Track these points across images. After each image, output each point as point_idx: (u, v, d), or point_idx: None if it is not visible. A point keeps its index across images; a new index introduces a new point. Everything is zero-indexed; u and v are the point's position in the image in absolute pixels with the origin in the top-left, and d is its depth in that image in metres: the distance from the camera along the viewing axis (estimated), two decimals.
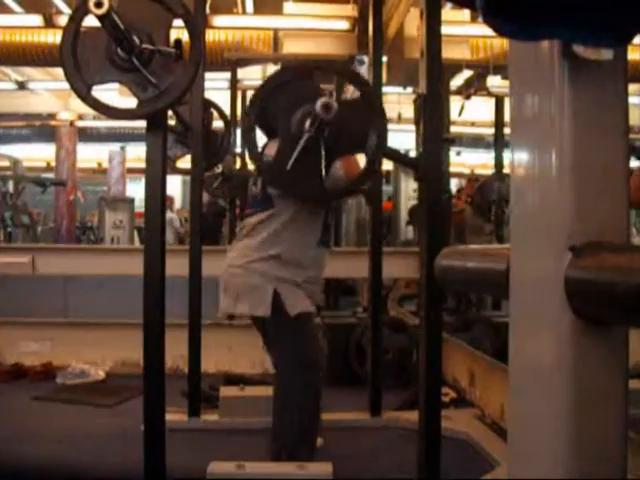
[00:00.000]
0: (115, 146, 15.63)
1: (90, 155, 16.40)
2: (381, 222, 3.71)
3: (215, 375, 4.24)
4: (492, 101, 6.50)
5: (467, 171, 12.67)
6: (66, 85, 1.84)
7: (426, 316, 2.32)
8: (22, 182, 11.79)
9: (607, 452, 0.82)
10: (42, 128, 15.17)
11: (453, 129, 7.75)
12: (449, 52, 5.23)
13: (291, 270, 2.52)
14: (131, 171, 15.69)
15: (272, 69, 6.77)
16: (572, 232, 0.81)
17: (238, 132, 5.96)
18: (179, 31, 1.89)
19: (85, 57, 1.84)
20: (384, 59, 4.44)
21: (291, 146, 2.31)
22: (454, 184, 9.94)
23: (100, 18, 1.64)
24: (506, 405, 2.58)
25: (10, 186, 11.40)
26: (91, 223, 15.85)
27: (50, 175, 14.66)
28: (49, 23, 6.84)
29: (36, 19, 6.95)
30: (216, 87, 7.54)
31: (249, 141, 2.44)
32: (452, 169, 7.65)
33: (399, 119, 10.40)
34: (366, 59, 4.62)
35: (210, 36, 6.63)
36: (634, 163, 3.28)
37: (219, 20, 7.00)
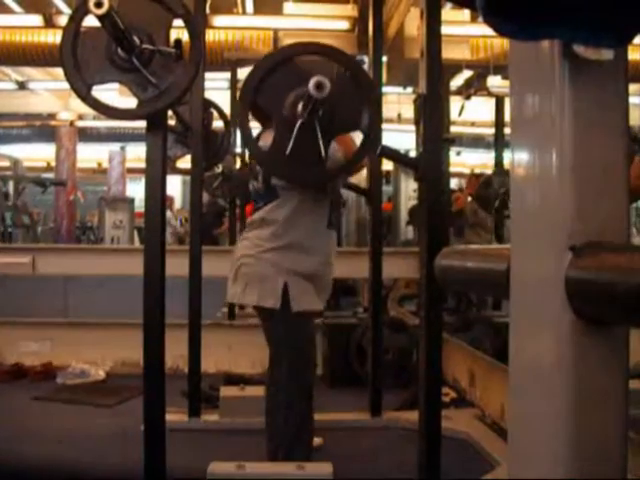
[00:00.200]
0: (115, 146, 15.64)
1: (90, 155, 16.41)
2: (381, 222, 3.71)
3: (215, 375, 4.24)
4: (492, 101, 6.50)
5: (467, 171, 12.66)
6: (66, 85, 1.84)
7: (426, 316, 2.32)
8: (22, 182, 11.79)
9: (607, 452, 0.82)
10: (42, 128, 15.18)
11: (453, 129, 7.75)
12: (449, 52, 5.24)
13: (304, 258, 2.51)
14: (131, 171, 15.70)
15: None
16: (572, 232, 0.81)
17: (238, 132, 5.97)
18: (179, 31, 1.89)
19: (85, 57, 1.84)
20: (384, 59, 4.45)
21: (287, 132, 2.31)
22: (454, 184, 9.95)
23: (100, 18, 1.63)
24: (506, 405, 2.58)
25: (10, 186, 11.40)
26: (91, 223, 15.87)
27: (50, 175, 14.66)
28: (49, 23, 6.84)
29: (36, 19, 6.95)
30: (216, 87, 7.55)
31: (245, 132, 2.45)
32: (452, 169, 7.65)
33: (399, 119, 10.41)
34: (366, 59, 4.62)
35: (210, 36, 6.63)
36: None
37: (219, 20, 7.00)
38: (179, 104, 2.67)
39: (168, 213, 11.48)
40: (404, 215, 8.49)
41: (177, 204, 17.19)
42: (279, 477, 2.30)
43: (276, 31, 6.83)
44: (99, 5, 1.59)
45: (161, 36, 1.84)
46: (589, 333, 0.80)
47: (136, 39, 1.79)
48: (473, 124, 11.65)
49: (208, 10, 6.48)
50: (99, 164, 17.49)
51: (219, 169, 5.43)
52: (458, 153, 12.93)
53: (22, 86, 11.84)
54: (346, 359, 4.29)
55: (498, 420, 3.37)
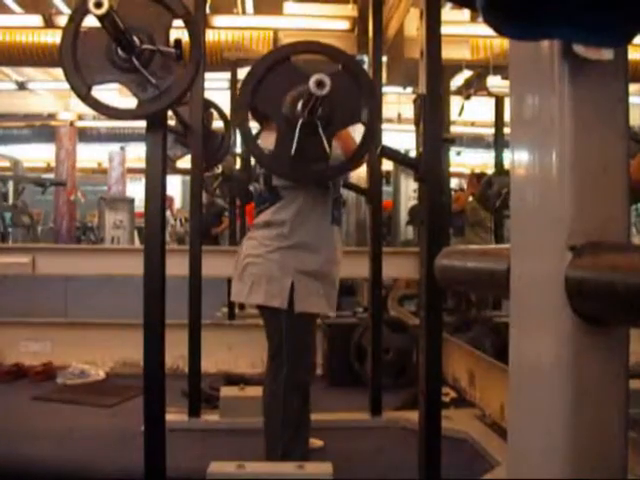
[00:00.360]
0: (115, 146, 15.65)
1: (90, 155, 16.41)
2: (381, 222, 3.71)
3: (215, 375, 4.24)
4: (492, 101, 6.50)
5: (467, 171, 12.68)
6: (66, 85, 1.84)
7: (426, 316, 2.32)
8: (22, 182, 11.79)
9: (607, 452, 0.82)
10: (42, 128, 15.19)
11: (453, 129, 7.76)
12: (449, 52, 5.25)
13: (310, 257, 2.51)
14: (131, 171, 15.71)
15: None
16: (572, 232, 0.81)
17: (238, 132, 5.97)
18: (179, 31, 1.89)
19: (85, 57, 1.84)
20: (384, 59, 4.45)
21: (289, 132, 2.31)
22: (454, 184, 9.95)
23: (100, 18, 1.63)
24: (506, 405, 2.58)
25: (10, 186, 11.40)
26: (91, 223, 15.88)
27: (50, 175, 14.67)
28: (49, 23, 6.83)
29: (36, 19, 6.95)
30: (216, 87, 7.55)
31: (247, 137, 2.44)
32: (452, 169, 7.65)
33: (399, 119, 10.40)
34: (366, 59, 4.62)
35: (210, 36, 6.62)
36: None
37: (219, 20, 7.00)
38: (179, 104, 2.67)
39: (167, 213, 11.49)
40: (404, 215, 8.50)
41: (177, 204, 17.21)
42: (279, 477, 2.30)
43: (276, 31, 6.83)
44: (99, 5, 1.59)
45: (161, 36, 1.84)
46: (589, 333, 0.80)
47: (136, 39, 1.79)
48: (473, 124, 11.66)
49: (208, 10, 6.48)
50: (99, 164, 17.51)
51: (219, 169, 5.43)
52: (458, 153, 12.94)
53: (22, 86, 11.84)
54: (346, 359, 4.29)
55: (498, 420, 3.37)
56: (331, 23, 6.59)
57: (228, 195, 6.02)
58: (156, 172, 1.95)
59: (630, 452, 0.84)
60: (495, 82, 6.24)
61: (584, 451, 0.81)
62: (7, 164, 14.31)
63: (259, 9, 8.71)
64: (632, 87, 0.87)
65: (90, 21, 1.75)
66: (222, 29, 6.90)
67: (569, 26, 0.69)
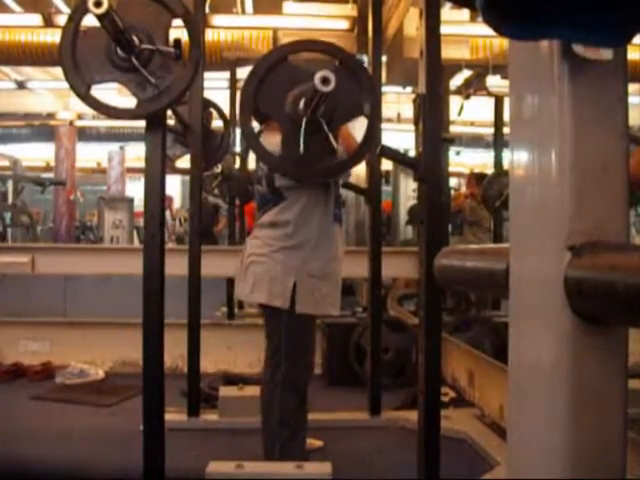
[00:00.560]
0: (114, 146, 15.64)
1: (89, 155, 16.41)
2: (380, 222, 3.71)
3: (214, 375, 4.24)
4: (491, 101, 6.50)
5: (466, 171, 12.69)
6: (65, 84, 1.85)
7: (425, 316, 2.32)
8: (21, 182, 11.79)
9: (606, 452, 0.82)
10: (41, 128, 15.18)
11: (452, 129, 7.76)
12: (448, 52, 5.24)
13: (314, 256, 2.51)
14: (130, 170, 15.70)
15: None
16: (572, 231, 0.81)
17: (237, 131, 5.97)
18: (178, 31, 1.89)
19: (84, 57, 1.84)
20: (383, 59, 4.45)
21: (293, 132, 2.31)
22: (453, 183, 9.96)
23: (99, 18, 1.63)
24: (505, 405, 2.58)
25: (10, 186, 11.40)
26: (90, 223, 15.88)
27: (49, 175, 14.66)
28: (49, 23, 6.83)
29: (36, 18, 6.94)
30: (215, 87, 7.54)
31: (252, 139, 2.44)
32: (452, 169, 7.66)
33: (398, 119, 10.40)
34: (365, 59, 4.61)
35: (209, 36, 6.61)
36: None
37: (218, 20, 6.99)
38: (178, 104, 2.67)
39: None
40: (403, 215, 8.50)
41: (176, 204, 17.21)
42: (278, 477, 2.30)
43: (275, 31, 6.82)
44: (98, 5, 1.59)
45: (160, 36, 1.84)
46: (588, 332, 0.80)
47: (135, 39, 1.80)
48: (472, 124, 11.66)
49: (207, 10, 6.48)
50: (98, 164, 17.50)
51: (218, 169, 5.43)
52: (458, 153, 12.94)
53: (21, 86, 11.84)
54: (345, 359, 4.29)
55: (497, 420, 3.37)
56: (331, 23, 6.59)
57: (227, 195, 6.01)
58: (155, 172, 1.95)
59: (630, 452, 0.84)
60: (494, 82, 6.24)
61: (583, 451, 0.81)
62: (6, 163, 14.31)
63: (259, 9, 8.71)
64: (632, 87, 0.88)
65: (89, 20, 1.74)
66: (221, 29, 6.89)
67: (568, 26, 0.69)
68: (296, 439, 2.55)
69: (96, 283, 6.60)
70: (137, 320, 1.96)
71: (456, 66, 6.31)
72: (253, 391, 3.37)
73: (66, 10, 8.38)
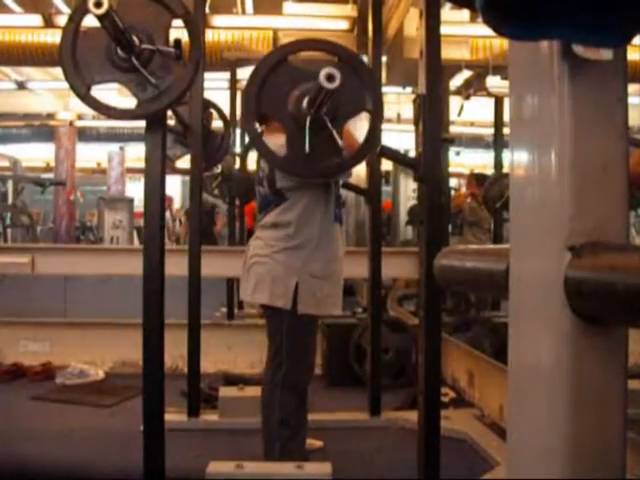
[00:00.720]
0: (114, 146, 15.64)
1: (89, 155, 16.41)
2: (380, 222, 3.71)
3: (214, 375, 4.24)
4: (491, 101, 6.50)
5: (466, 171, 12.69)
6: (66, 85, 1.85)
7: (425, 316, 2.32)
8: (21, 182, 11.79)
9: (606, 452, 0.82)
10: (41, 128, 15.18)
11: (452, 129, 7.76)
12: (448, 52, 5.24)
13: (315, 256, 2.51)
14: (130, 171, 15.70)
15: None
16: (572, 232, 0.81)
17: (237, 132, 5.97)
18: (179, 31, 1.89)
19: (84, 57, 1.84)
20: (383, 59, 4.45)
21: (297, 131, 2.31)
22: (453, 184, 9.96)
23: (100, 18, 1.63)
24: (505, 405, 2.58)
25: (9, 186, 11.40)
26: (90, 223, 15.88)
27: (49, 175, 14.66)
28: (49, 23, 6.83)
29: (36, 19, 6.94)
30: (216, 87, 7.55)
31: (257, 141, 2.43)
32: (452, 169, 7.66)
33: (398, 119, 10.40)
34: (365, 59, 4.62)
35: (209, 36, 6.62)
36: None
37: (218, 20, 7.00)
38: (179, 104, 2.67)
39: (167, 214, 11.50)
40: (403, 215, 8.50)
41: (176, 204, 17.21)
42: (278, 477, 2.30)
43: (275, 31, 6.83)
44: (98, 5, 1.59)
45: (161, 36, 1.84)
46: (588, 333, 0.80)
47: (136, 39, 1.79)
48: (472, 124, 11.66)
49: (208, 10, 6.48)
50: (98, 164, 17.50)
51: (218, 169, 5.43)
52: (457, 153, 12.94)
53: (21, 86, 11.84)
54: (345, 359, 4.29)
55: (497, 420, 3.37)
56: (331, 23, 6.59)
57: (227, 195, 6.01)
58: (155, 172, 1.95)
59: (630, 452, 0.84)
60: (494, 82, 6.24)
61: (583, 451, 0.81)
62: (6, 164, 14.31)
63: (259, 9, 8.71)
64: (632, 87, 0.88)
65: (90, 21, 1.74)
66: (222, 29, 6.90)
67: (568, 26, 0.69)
68: (296, 439, 2.55)
69: (96, 283, 6.59)
70: (137, 320, 1.96)
71: (456, 66, 6.31)
72: (253, 391, 3.37)
73: (66, 10, 8.38)
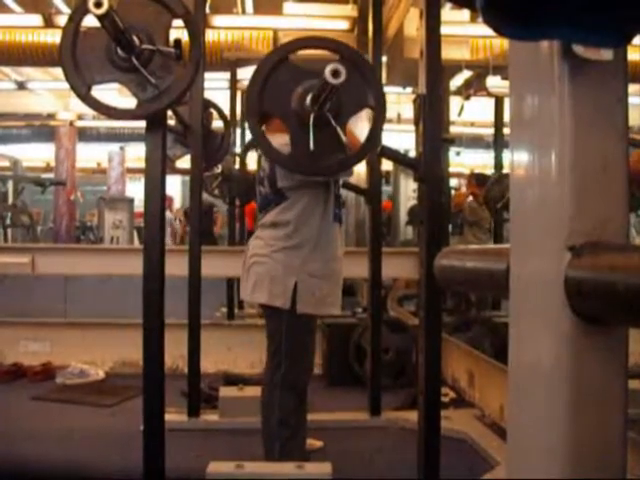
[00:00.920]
0: (114, 146, 15.65)
1: (89, 155, 16.41)
2: (381, 222, 3.70)
3: (214, 375, 4.24)
4: (491, 101, 6.50)
5: (467, 171, 12.69)
6: (66, 85, 1.84)
7: (426, 316, 2.32)
8: (22, 182, 11.79)
9: (607, 452, 0.82)
10: (42, 128, 15.18)
11: (453, 129, 7.75)
12: (449, 52, 5.24)
13: (315, 256, 2.51)
14: (131, 171, 15.70)
15: None
16: (572, 232, 0.81)
17: (238, 132, 5.97)
18: (179, 31, 1.89)
19: (85, 57, 1.84)
20: (384, 59, 4.44)
21: (300, 129, 2.30)
22: (453, 184, 9.96)
23: (100, 18, 1.63)
24: (505, 405, 2.58)
25: (10, 186, 11.40)
26: (91, 223, 15.88)
27: (50, 175, 14.67)
28: (49, 23, 6.84)
29: (36, 19, 6.95)
30: (216, 87, 7.55)
31: (262, 140, 2.43)
32: (452, 169, 7.65)
33: (398, 119, 10.40)
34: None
35: (210, 36, 6.63)
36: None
37: (219, 20, 7.00)
38: (179, 104, 2.67)
39: (168, 214, 11.49)
40: (404, 215, 8.50)
41: (177, 204, 17.21)
42: (278, 477, 2.30)
43: (276, 31, 6.83)
44: (99, 5, 1.59)
45: (161, 36, 1.84)
46: (588, 333, 0.80)
47: (136, 39, 1.79)
48: (472, 124, 11.66)
49: (208, 10, 6.48)
50: (98, 164, 17.51)
51: (219, 169, 5.43)
52: (458, 153, 12.94)
53: (22, 86, 11.85)
54: (345, 359, 4.29)
55: (497, 420, 3.37)
56: (331, 23, 6.59)
57: (228, 195, 6.01)
58: (156, 172, 1.95)
59: (630, 452, 0.84)
60: (495, 82, 6.24)
61: (584, 451, 0.81)
62: (7, 164, 14.31)
63: (259, 9, 8.71)
64: (632, 87, 0.88)
65: (90, 21, 1.74)
66: (222, 29, 6.90)
67: (568, 26, 0.69)
68: (296, 439, 2.55)
69: (96, 283, 6.60)
70: (137, 320, 1.96)
71: (456, 67, 6.31)
72: (253, 391, 3.37)
73: (66, 10, 8.39)
